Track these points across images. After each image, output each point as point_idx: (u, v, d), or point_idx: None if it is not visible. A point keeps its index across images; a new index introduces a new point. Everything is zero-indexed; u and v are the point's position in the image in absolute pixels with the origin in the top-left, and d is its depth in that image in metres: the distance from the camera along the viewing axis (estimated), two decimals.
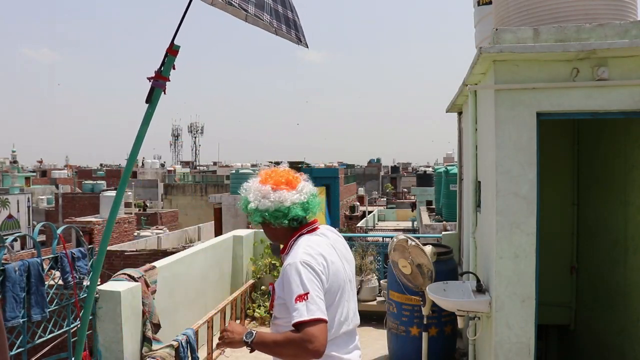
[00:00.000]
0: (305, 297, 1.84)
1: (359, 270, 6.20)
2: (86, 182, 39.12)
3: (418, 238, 4.44)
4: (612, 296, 4.58)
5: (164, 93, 2.52)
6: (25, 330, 2.95)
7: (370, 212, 31.63)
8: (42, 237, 18.16)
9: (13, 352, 2.81)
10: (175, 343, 3.93)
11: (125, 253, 15.05)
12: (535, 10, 3.69)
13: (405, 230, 22.24)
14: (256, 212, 2.08)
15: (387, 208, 38.90)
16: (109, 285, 3.68)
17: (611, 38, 3.18)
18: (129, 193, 30.00)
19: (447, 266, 4.59)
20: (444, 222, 15.12)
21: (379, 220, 31.26)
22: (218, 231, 21.04)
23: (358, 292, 6.05)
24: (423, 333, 4.22)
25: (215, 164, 72.18)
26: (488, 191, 3.65)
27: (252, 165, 40.71)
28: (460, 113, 6.02)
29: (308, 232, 2.10)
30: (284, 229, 2.10)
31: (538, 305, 3.31)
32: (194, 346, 4.13)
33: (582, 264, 5.36)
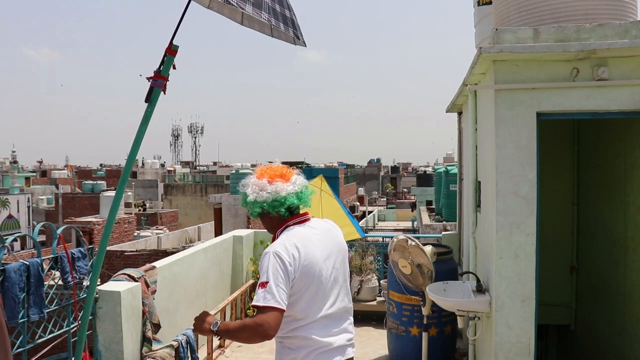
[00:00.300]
0: (265, 286, 2.06)
1: (359, 270, 6.20)
2: (86, 182, 39.10)
3: (418, 238, 4.44)
4: (612, 296, 4.58)
5: (164, 93, 2.53)
6: (25, 330, 2.95)
7: (370, 212, 31.63)
8: (42, 237, 18.16)
9: (13, 352, 2.80)
10: (175, 343, 3.93)
11: (125, 253, 15.04)
12: (535, 10, 3.69)
13: (405, 231, 22.24)
14: (255, 204, 2.28)
15: (387, 208, 38.93)
16: (109, 285, 3.68)
17: (611, 38, 3.17)
18: (129, 193, 30.00)
19: (447, 266, 4.59)
20: (444, 222, 15.13)
21: (379, 220, 31.27)
22: (218, 231, 21.06)
23: (358, 292, 6.06)
24: (423, 333, 4.22)
25: (215, 164, 72.21)
26: (488, 191, 3.65)
27: (252, 165, 40.67)
28: (460, 113, 6.02)
29: (296, 223, 2.30)
30: (277, 218, 2.31)
31: (538, 305, 3.31)
32: (194, 346, 4.13)
33: (582, 264, 5.36)
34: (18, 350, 2.89)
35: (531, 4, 3.72)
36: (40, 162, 74.12)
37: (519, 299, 3.30)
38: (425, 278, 4.05)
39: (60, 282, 3.23)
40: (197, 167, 71.53)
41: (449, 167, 17.93)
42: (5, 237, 2.95)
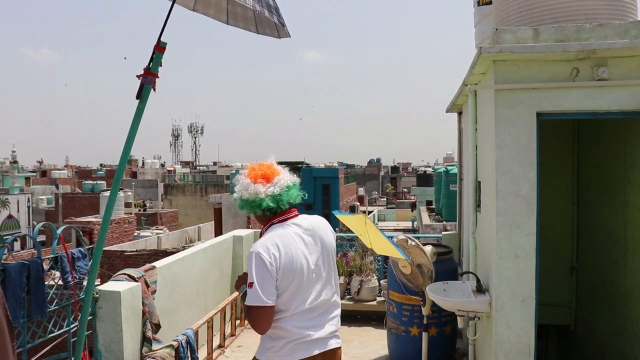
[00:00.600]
0: (251, 286, 2.21)
1: (359, 270, 6.20)
2: (86, 182, 39.11)
3: (418, 238, 4.44)
4: (612, 296, 4.58)
5: (154, 90, 2.58)
6: (25, 330, 2.95)
7: (370, 212, 31.63)
8: (42, 237, 18.17)
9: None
10: (175, 343, 3.93)
11: (125, 253, 15.03)
12: (535, 10, 3.69)
13: (405, 230, 22.24)
14: (240, 201, 2.41)
15: (387, 208, 38.94)
16: (108, 285, 3.68)
17: (611, 38, 3.17)
18: (129, 193, 30.01)
19: (447, 266, 4.59)
20: (444, 222, 15.13)
21: (379, 220, 31.27)
22: (218, 231, 21.04)
23: (358, 292, 6.06)
24: (423, 333, 4.22)
25: (215, 164, 72.22)
26: (488, 191, 3.65)
27: None
28: (460, 113, 6.01)
29: (280, 221, 2.38)
30: (263, 217, 2.43)
31: (538, 305, 3.31)
32: (194, 346, 4.13)
33: (582, 264, 5.36)
34: (18, 350, 2.89)
35: (531, 4, 3.71)
36: (40, 162, 74.14)
37: (519, 299, 3.30)
38: (425, 278, 4.05)
39: (60, 282, 3.23)
40: (197, 167, 71.52)
41: (449, 167, 17.94)
42: (5, 237, 2.96)
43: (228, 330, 5.47)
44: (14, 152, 56.72)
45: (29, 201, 26.55)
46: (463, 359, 4.81)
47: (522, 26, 3.47)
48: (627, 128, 4.29)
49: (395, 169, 70.51)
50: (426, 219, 18.77)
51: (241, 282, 2.45)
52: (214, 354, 4.86)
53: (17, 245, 22.12)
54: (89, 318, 3.31)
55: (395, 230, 24.24)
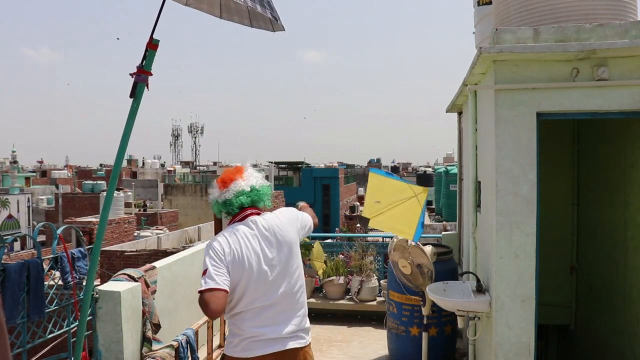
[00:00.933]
0: (205, 273, 2.29)
1: (359, 270, 6.20)
2: (86, 182, 39.14)
3: None
4: (612, 296, 4.58)
5: (147, 88, 2.57)
6: (25, 330, 2.95)
7: None
8: (42, 237, 18.17)
9: (13, 352, 2.81)
10: (175, 343, 3.93)
11: (125, 253, 15.02)
12: (535, 10, 3.69)
13: None
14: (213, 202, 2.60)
15: None
16: (108, 286, 3.68)
17: (611, 38, 3.17)
18: (129, 193, 30.01)
19: (447, 266, 4.59)
20: (444, 222, 15.14)
21: None
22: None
23: (358, 292, 6.06)
24: (423, 333, 4.22)
25: (215, 164, 72.16)
26: (488, 191, 3.65)
27: (253, 165, 40.63)
28: (460, 113, 6.02)
29: (237, 221, 2.49)
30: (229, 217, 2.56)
31: (538, 305, 3.31)
32: (194, 346, 4.13)
33: (582, 264, 5.36)
34: (18, 350, 2.89)
35: (531, 4, 3.71)
36: (40, 162, 74.15)
37: (519, 299, 3.30)
38: (425, 278, 4.05)
39: (60, 282, 3.23)
40: (197, 167, 71.52)
41: (449, 167, 17.95)
42: (5, 237, 2.95)
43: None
44: (14, 152, 56.77)
45: (29, 201, 26.56)
46: (463, 359, 4.81)
47: (522, 26, 3.46)
48: (627, 128, 4.29)
49: (395, 169, 70.48)
50: (426, 219, 18.77)
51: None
52: (214, 354, 4.86)
53: (17, 245, 22.13)
54: (89, 318, 3.31)
55: None
